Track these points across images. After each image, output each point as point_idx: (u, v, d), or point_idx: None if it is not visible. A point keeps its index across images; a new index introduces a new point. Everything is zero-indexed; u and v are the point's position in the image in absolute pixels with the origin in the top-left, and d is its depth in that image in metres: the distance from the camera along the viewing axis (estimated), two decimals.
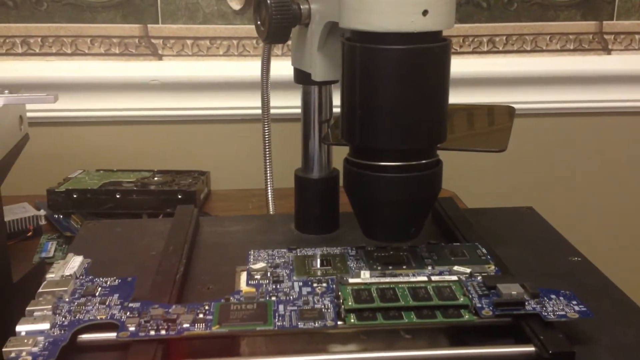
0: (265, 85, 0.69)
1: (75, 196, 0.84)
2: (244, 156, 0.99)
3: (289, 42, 0.61)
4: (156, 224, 0.68)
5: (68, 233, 0.79)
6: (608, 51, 1.01)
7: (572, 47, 1.00)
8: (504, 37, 0.99)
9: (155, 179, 0.90)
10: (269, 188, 0.76)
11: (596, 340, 0.45)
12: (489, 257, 0.54)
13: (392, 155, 0.48)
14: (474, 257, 0.53)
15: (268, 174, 0.75)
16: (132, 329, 0.44)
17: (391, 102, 0.46)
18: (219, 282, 0.54)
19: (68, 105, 0.94)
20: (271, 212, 0.76)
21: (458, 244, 0.56)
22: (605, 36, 1.00)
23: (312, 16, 0.55)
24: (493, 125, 0.58)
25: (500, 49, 1.00)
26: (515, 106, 0.96)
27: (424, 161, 0.49)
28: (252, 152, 0.97)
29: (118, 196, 0.85)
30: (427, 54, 0.46)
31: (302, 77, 0.60)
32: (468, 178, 0.94)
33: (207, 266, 0.57)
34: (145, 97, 0.97)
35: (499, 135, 0.56)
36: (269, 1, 0.54)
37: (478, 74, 0.98)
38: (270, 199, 0.76)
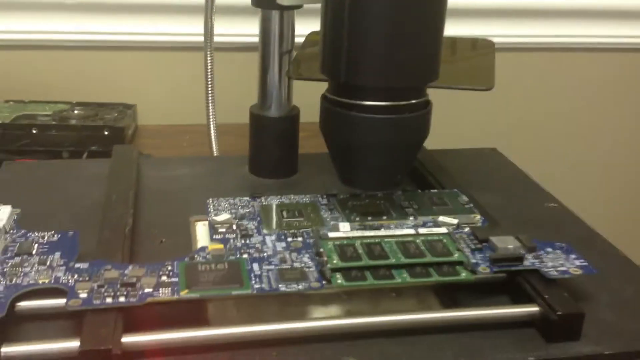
0: (209, 7, 0.61)
1: None
2: (173, 88, 0.91)
3: None
4: (87, 166, 0.60)
5: None
6: None
7: None
8: None
9: (75, 112, 0.81)
10: (212, 125, 0.69)
11: (597, 297, 0.42)
12: (472, 205, 0.49)
13: (381, 94, 0.42)
14: (456, 206, 0.49)
15: (210, 110, 0.68)
16: (83, 295, 0.37)
17: (385, 33, 0.40)
18: (173, 235, 0.48)
19: None
20: (214, 152, 0.69)
21: (436, 191, 0.52)
22: None
23: None
24: (474, 60, 0.53)
25: None
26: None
27: (414, 101, 0.43)
28: (183, 84, 0.89)
29: (34, 131, 0.76)
30: None
31: (262, 0, 0.53)
32: None
33: (157, 216, 0.50)
34: (60, 18, 0.86)
35: (482, 71, 0.51)
36: None
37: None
38: (213, 137, 0.69)
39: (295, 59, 0.54)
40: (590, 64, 1.02)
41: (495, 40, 0.95)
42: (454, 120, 0.98)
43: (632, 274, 0.46)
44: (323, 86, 0.48)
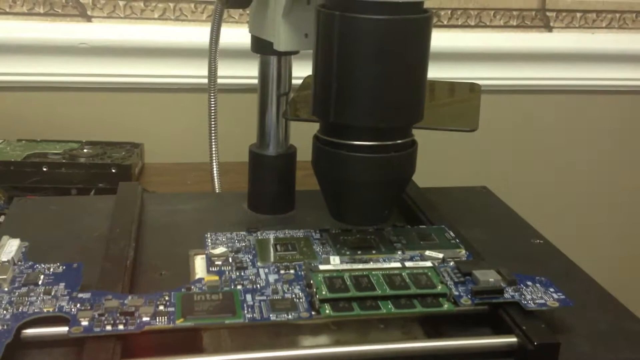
0: (213, 51, 0.64)
1: None
2: (179, 128, 0.94)
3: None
4: (95, 202, 0.62)
5: None
6: (549, 28, 1.01)
7: (515, 24, 1.00)
8: (449, 11, 0.97)
9: (85, 150, 0.84)
10: (215, 163, 0.71)
11: (574, 329, 0.44)
12: (457, 240, 0.52)
13: (368, 134, 0.45)
14: (443, 241, 0.51)
15: (213, 148, 0.71)
16: (85, 323, 0.40)
17: (371, 76, 0.43)
18: (172, 267, 0.50)
19: None
20: (217, 189, 0.72)
21: (425, 226, 0.54)
22: (548, 13, 1.00)
23: None
24: (460, 103, 0.56)
25: (445, 23, 0.98)
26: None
27: (399, 141, 0.46)
28: (188, 124, 0.93)
29: (45, 169, 0.79)
30: (411, 25, 0.43)
31: (260, 46, 0.56)
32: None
33: (157, 249, 0.53)
34: (72, 61, 0.89)
35: (467, 113, 0.54)
36: None
37: None
38: (215, 174, 0.72)
39: (292, 101, 0.57)
40: (580, 105, 1.05)
41: (491, 82, 0.99)
42: (448, 160, 1.01)
43: (610, 306, 0.48)
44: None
